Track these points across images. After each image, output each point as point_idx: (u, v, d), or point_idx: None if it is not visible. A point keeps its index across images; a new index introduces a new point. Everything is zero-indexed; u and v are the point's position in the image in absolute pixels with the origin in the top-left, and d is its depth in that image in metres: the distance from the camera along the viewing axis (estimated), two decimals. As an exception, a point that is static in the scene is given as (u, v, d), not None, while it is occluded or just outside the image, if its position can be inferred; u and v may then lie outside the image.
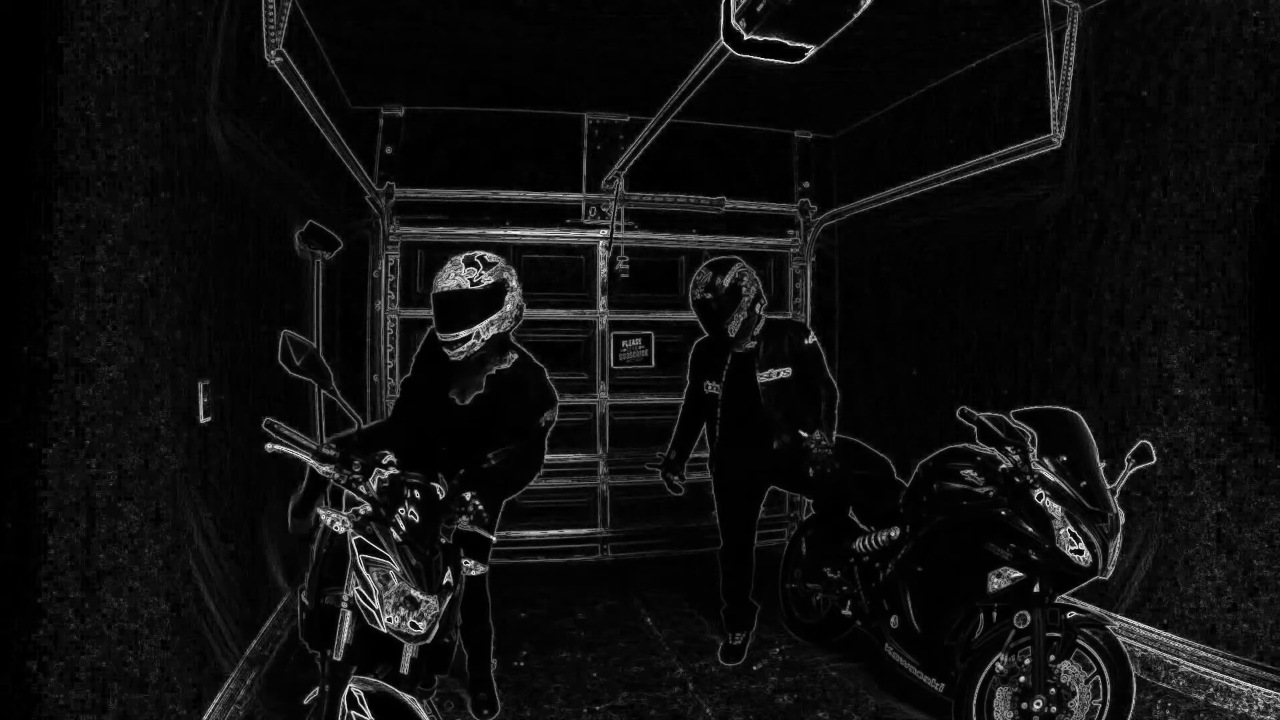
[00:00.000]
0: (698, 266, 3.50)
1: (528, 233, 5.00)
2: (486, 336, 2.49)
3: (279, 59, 2.82)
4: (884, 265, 5.06)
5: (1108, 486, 2.40)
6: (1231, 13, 2.80)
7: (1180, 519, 3.01)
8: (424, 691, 1.99)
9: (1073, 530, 2.36)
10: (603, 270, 5.11)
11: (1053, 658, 2.36)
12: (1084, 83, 3.36)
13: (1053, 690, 2.36)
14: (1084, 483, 2.39)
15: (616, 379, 5.15)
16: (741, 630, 3.55)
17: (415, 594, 1.82)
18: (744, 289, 3.30)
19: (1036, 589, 2.43)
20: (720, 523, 3.60)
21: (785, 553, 3.82)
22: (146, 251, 2.01)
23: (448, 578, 1.92)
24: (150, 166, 2.03)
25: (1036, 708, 2.34)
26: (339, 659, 1.87)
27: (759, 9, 2.30)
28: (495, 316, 2.48)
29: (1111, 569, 2.38)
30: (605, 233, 5.05)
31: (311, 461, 1.91)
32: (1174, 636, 3.02)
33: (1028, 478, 2.45)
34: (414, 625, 1.83)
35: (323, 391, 1.99)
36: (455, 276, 2.48)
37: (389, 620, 1.81)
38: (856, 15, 2.29)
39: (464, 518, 2.05)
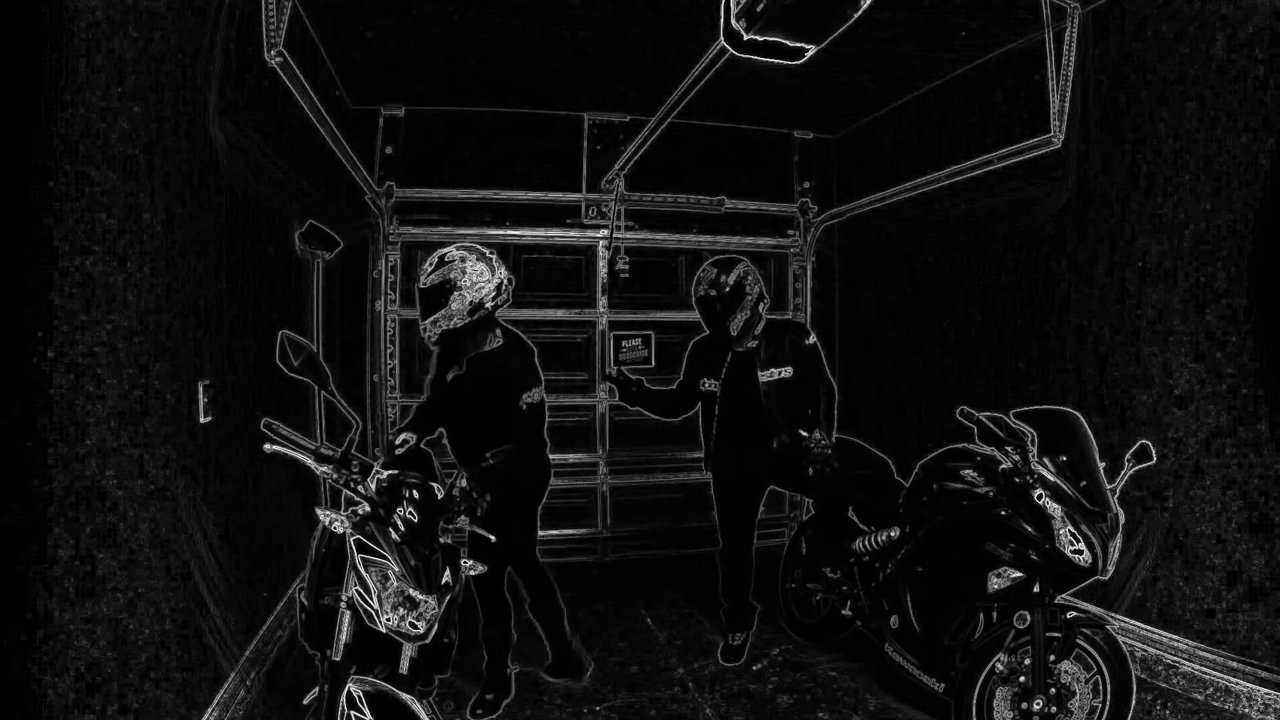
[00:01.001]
0: (698, 267, 3.50)
1: (528, 233, 5.00)
2: (435, 331, 2.78)
3: (279, 59, 2.81)
4: (884, 265, 5.05)
5: (1108, 486, 2.40)
6: (1231, 12, 2.80)
7: (1180, 519, 3.01)
8: (424, 691, 1.99)
9: (1073, 530, 2.36)
10: (603, 270, 5.11)
11: (1053, 658, 2.36)
12: (1084, 83, 3.36)
13: (1053, 690, 2.36)
14: (1084, 483, 2.39)
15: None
16: (741, 630, 3.55)
17: (414, 594, 1.82)
18: (748, 288, 3.31)
19: (1036, 589, 2.43)
20: (719, 523, 3.60)
21: (785, 553, 3.82)
22: (146, 251, 2.01)
23: (447, 577, 1.92)
24: (150, 166, 2.03)
25: (1036, 708, 2.34)
26: (338, 659, 1.88)
27: (759, 9, 2.29)
28: (440, 314, 2.75)
29: (1111, 569, 2.38)
30: (605, 233, 5.05)
31: (309, 462, 1.91)
32: (1174, 636, 3.02)
33: (1027, 478, 2.45)
34: (413, 625, 1.83)
35: (322, 392, 1.99)
36: (422, 273, 2.83)
37: (388, 620, 1.81)
38: (856, 15, 2.29)
39: (463, 516, 2.06)
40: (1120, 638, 2.47)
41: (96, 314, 1.78)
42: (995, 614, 2.58)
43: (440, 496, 2.02)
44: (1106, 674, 2.39)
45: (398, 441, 2.73)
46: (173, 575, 2.19)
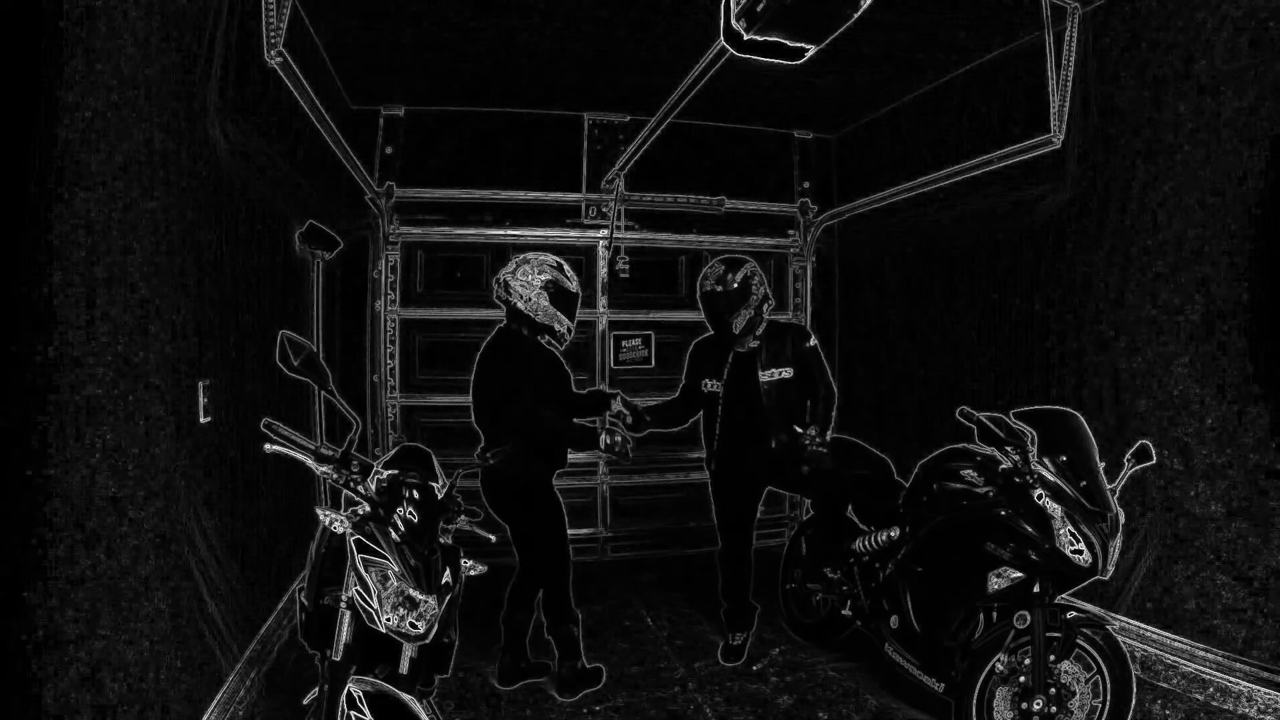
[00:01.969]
0: (698, 267, 3.51)
1: (528, 233, 5.00)
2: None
3: (279, 59, 2.82)
4: (884, 265, 5.05)
5: (1108, 486, 2.40)
6: (1231, 11, 2.80)
7: (1180, 519, 3.01)
8: (424, 691, 1.99)
9: (1073, 530, 2.35)
10: (603, 270, 5.11)
11: (1053, 658, 2.36)
12: (1084, 83, 3.36)
13: (1053, 690, 2.36)
14: (1084, 482, 2.39)
15: (616, 379, 5.15)
16: (741, 630, 3.55)
17: (414, 594, 1.82)
18: (754, 288, 3.33)
19: (1036, 589, 2.43)
20: (718, 523, 3.60)
21: (785, 553, 3.82)
22: (147, 251, 2.01)
23: (447, 577, 1.92)
24: (150, 167, 2.03)
25: (1036, 708, 2.34)
26: (338, 659, 1.87)
27: (759, 9, 2.30)
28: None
29: (1111, 569, 2.37)
30: (605, 233, 5.05)
31: (309, 462, 1.91)
32: (1174, 636, 3.02)
33: (1027, 478, 2.44)
34: (413, 625, 1.83)
35: (322, 392, 1.99)
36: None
37: (388, 620, 1.81)
38: (856, 15, 2.29)
39: (462, 517, 2.06)
40: (1120, 638, 2.47)
41: (96, 314, 1.78)
42: (995, 614, 2.58)
43: (440, 496, 2.02)
44: (1106, 674, 2.39)
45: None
46: (173, 575, 2.19)
